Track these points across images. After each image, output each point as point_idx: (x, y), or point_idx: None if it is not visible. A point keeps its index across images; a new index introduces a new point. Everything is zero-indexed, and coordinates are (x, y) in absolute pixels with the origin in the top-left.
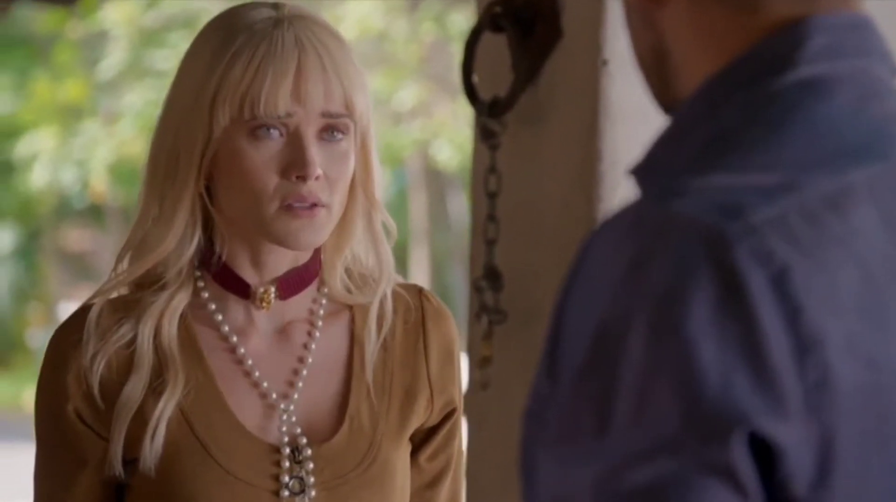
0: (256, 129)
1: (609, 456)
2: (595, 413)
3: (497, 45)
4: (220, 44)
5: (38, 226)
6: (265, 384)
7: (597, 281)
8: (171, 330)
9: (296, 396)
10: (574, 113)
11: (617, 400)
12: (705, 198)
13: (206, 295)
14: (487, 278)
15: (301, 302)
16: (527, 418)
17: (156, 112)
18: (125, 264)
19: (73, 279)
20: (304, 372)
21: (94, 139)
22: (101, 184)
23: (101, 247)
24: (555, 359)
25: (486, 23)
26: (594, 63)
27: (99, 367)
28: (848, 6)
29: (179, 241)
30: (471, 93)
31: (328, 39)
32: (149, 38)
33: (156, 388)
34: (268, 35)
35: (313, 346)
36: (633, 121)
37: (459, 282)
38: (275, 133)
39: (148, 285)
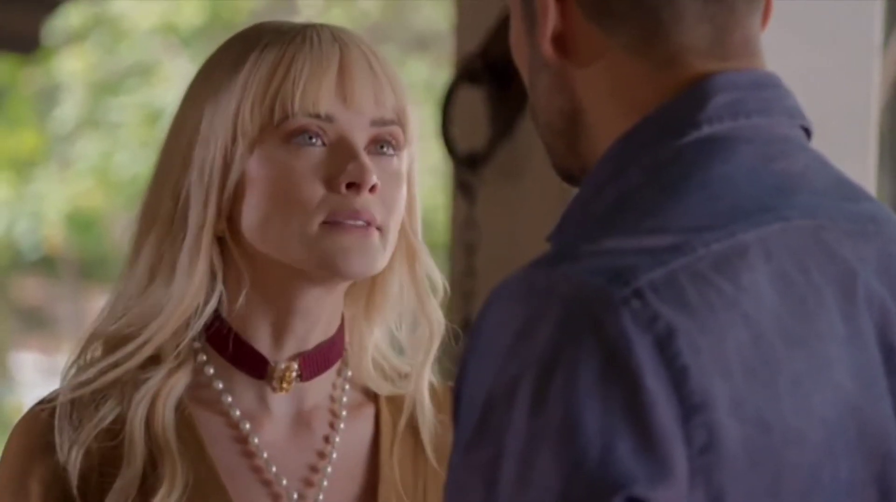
0: (293, 136)
1: None
2: (483, 481)
3: (473, 99)
4: (242, 51)
5: None
6: (284, 482)
7: (488, 349)
8: (166, 414)
9: (320, 497)
10: (551, 167)
11: (502, 468)
12: (594, 262)
13: (210, 371)
14: (466, 332)
15: (321, 384)
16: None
17: (109, 163)
18: (98, 347)
19: (26, 329)
20: (329, 469)
21: (49, 190)
22: (55, 235)
23: (55, 298)
24: (455, 429)
25: (464, 76)
26: None
27: (77, 460)
28: (754, 64)
29: (191, 304)
30: (449, 146)
31: (369, 44)
32: (104, 89)
33: (148, 487)
34: (300, 32)
35: (337, 439)
36: None
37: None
38: (316, 141)
39: (130, 355)
